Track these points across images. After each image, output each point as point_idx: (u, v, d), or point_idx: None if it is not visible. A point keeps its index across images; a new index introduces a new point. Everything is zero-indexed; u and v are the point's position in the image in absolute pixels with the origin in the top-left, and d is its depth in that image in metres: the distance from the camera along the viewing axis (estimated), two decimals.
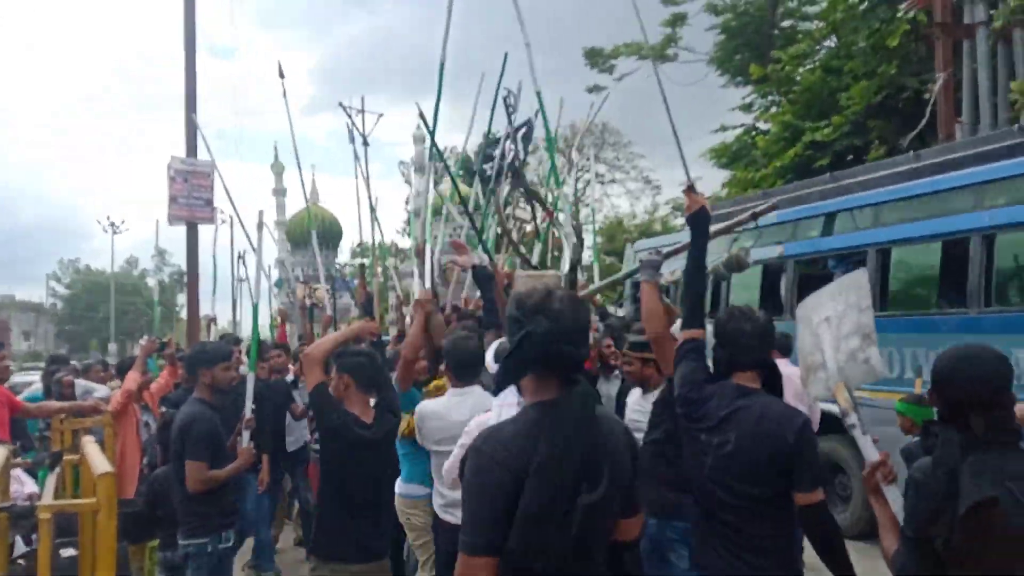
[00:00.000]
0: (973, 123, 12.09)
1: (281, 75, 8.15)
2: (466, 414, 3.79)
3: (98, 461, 2.77)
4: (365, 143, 7.57)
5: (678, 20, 22.10)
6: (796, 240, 8.31)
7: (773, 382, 2.90)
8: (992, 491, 2.06)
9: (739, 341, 2.87)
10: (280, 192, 38.39)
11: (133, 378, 6.27)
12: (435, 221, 8.84)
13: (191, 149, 13.61)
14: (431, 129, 6.69)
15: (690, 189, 3.37)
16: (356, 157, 8.10)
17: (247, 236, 6.02)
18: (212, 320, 9.15)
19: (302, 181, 10.77)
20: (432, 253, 6.14)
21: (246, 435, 4.74)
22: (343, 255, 43.98)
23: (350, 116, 7.41)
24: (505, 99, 6.98)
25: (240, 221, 6.14)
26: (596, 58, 23.56)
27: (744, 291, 8.96)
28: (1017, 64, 11.74)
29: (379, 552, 3.66)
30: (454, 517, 3.85)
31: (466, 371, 4.00)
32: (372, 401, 3.75)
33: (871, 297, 2.97)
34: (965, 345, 2.31)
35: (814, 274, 8.23)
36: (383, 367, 3.89)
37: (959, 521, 2.08)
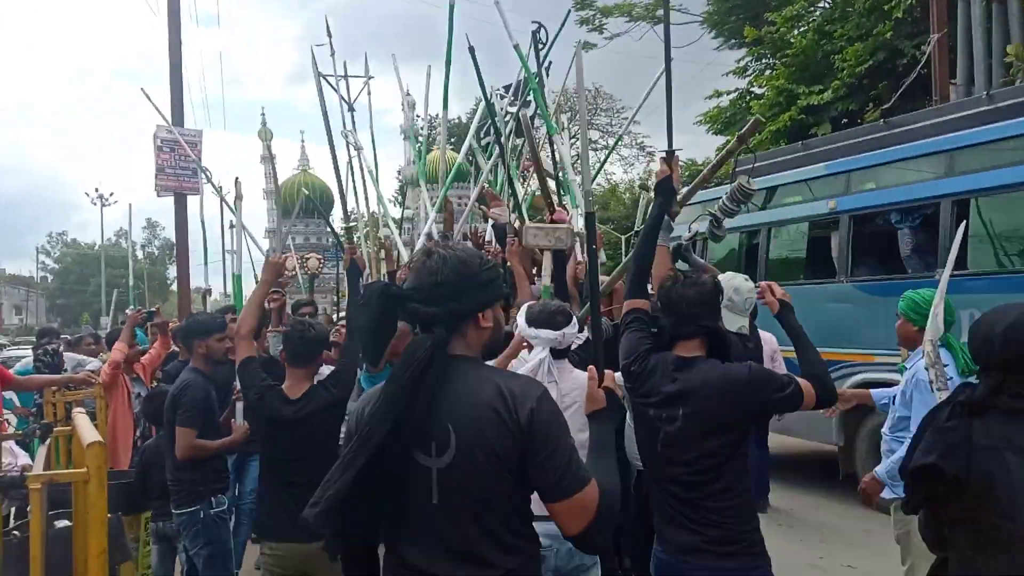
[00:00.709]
0: (968, 85, 12.01)
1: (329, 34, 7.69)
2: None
3: (87, 431, 2.73)
4: (351, 109, 7.42)
5: None
6: (850, 194, 7.85)
7: (721, 349, 2.85)
8: (942, 459, 2.02)
9: (681, 309, 2.82)
10: (268, 159, 37.99)
11: (119, 348, 6.26)
12: (430, 188, 8.73)
13: (177, 118, 13.42)
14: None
15: (666, 158, 3.32)
16: (347, 135, 7.89)
17: (228, 206, 6.00)
18: (207, 291, 9.10)
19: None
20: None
21: (239, 409, 4.71)
22: (335, 224, 43.80)
23: (334, 87, 7.19)
24: (535, 33, 6.81)
25: (219, 192, 6.12)
26: (586, 9, 23.16)
27: (788, 250, 8.63)
28: (1012, 25, 11.63)
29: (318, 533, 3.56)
30: None
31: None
32: (317, 373, 3.70)
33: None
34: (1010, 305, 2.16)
35: (875, 231, 7.83)
36: (316, 339, 3.64)
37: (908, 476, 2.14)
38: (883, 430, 4.23)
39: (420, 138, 9.08)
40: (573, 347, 3.54)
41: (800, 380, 2.82)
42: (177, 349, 6.42)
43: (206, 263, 10.29)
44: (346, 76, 7.37)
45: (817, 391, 2.81)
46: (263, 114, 19.28)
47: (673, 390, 2.77)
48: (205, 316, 4.92)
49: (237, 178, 6.07)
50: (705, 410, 2.70)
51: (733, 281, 3.64)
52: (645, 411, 2.86)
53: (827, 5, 16.74)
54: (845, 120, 14.48)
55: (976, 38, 11.92)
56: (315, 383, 3.55)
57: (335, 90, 7.21)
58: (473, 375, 1.89)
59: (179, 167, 13.25)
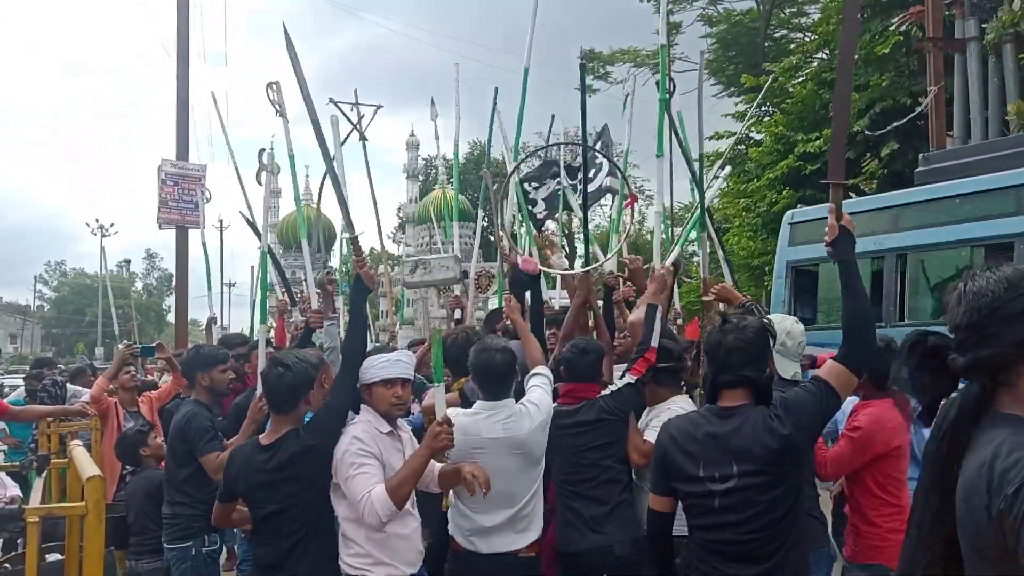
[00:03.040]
0: (964, 137, 12.16)
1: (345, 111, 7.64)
2: (499, 432, 3.47)
3: (86, 465, 2.74)
4: (363, 138, 7.27)
5: (672, 29, 22.24)
6: None
7: (767, 398, 2.66)
8: None
9: (720, 356, 2.65)
10: (274, 194, 38.32)
11: (98, 385, 6.18)
12: (422, 227, 8.76)
13: (182, 153, 13.54)
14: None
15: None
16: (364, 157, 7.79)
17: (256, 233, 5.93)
18: (213, 320, 9.06)
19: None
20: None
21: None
22: (335, 260, 43.92)
23: (342, 110, 7.07)
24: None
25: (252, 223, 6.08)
26: (593, 61, 23.65)
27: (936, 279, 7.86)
28: (1008, 80, 11.82)
29: None
30: (484, 545, 3.47)
31: (494, 386, 3.58)
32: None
33: None
34: None
35: None
36: (292, 385, 3.21)
37: None
38: None
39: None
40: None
41: (823, 367, 2.68)
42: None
43: (210, 289, 10.26)
44: (356, 103, 7.23)
45: (847, 354, 2.64)
46: (272, 149, 19.45)
47: (707, 440, 2.63)
48: (208, 348, 4.90)
49: (263, 149, 5.84)
50: (762, 461, 2.54)
51: (784, 323, 3.52)
52: (689, 474, 2.67)
53: (824, 56, 17.02)
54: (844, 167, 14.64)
55: (973, 91, 12.10)
56: (291, 429, 3.18)
57: (346, 117, 7.11)
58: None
59: (182, 200, 13.32)
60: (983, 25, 12.15)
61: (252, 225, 6.36)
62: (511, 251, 5.23)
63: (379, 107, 7.47)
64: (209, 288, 10.25)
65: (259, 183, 5.59)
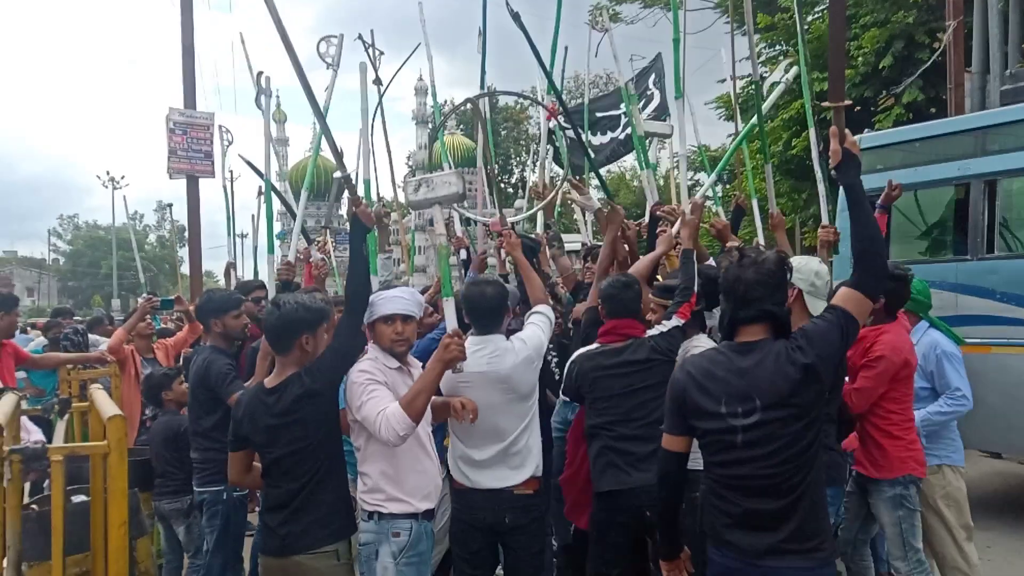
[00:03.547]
0: (983, 73, 11.90)
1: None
2: (483, 366, 3.53)
3: (107, 405, 2.77)
4: (378, 82, 7.11)
5: None
6: None
7: (786, 332, 2.62)
8: None
9: (739, 292, 2.60)
10: (282, 142, 38.15)
11: (117, 336, 6.30)
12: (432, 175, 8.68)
13: (190, 101, 13.43)
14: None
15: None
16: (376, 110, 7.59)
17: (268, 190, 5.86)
18: (232, 266, 9.09)
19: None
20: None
21: None
22: (346, 208, 43.91)
23: (367, 49, 6.86)
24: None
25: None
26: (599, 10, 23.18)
27: None
28: None
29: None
30: (480, 479, 3.55)
31: (484, 320, 3.65)
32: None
33: None
34: None
35: None
36: (281, 321, 3.15)
37: None
38: None
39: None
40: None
41: (838, 294, 2.68)
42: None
43: (231, 234, 10.20)
44: (372, 44, 7.01)
45: (860, 279, 2.65)
46: (278, 97, 19.32)
47: (730, 377, 2.60)
48: (220, 293, 4.90)
49: (260, 72, 5.72)
50: (787, 394, 2.52)
51: (811, 264, 3.52)
52: (709, 411, 2.64)
53: None
54: (858, 108, 14.37)
55: (992, 26, 11.80)
56: (294, 372, 3.13)
57: (371, 60, 6.89)
58: None
59: (191, 149, 13.25)
60: None
61: (251, 165, 6.36)
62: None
63: (381, 53, 7.26)
64: (231, 233, 10.25)
65: (259, 107, 5.54)
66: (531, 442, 3.61)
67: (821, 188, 5.86)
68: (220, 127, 11.04)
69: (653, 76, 7.26)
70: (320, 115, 3.96)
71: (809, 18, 16.44)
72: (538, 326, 3.75)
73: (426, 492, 3.31)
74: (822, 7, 16.64)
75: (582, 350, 3.98)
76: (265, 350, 3.94)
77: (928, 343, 4.25)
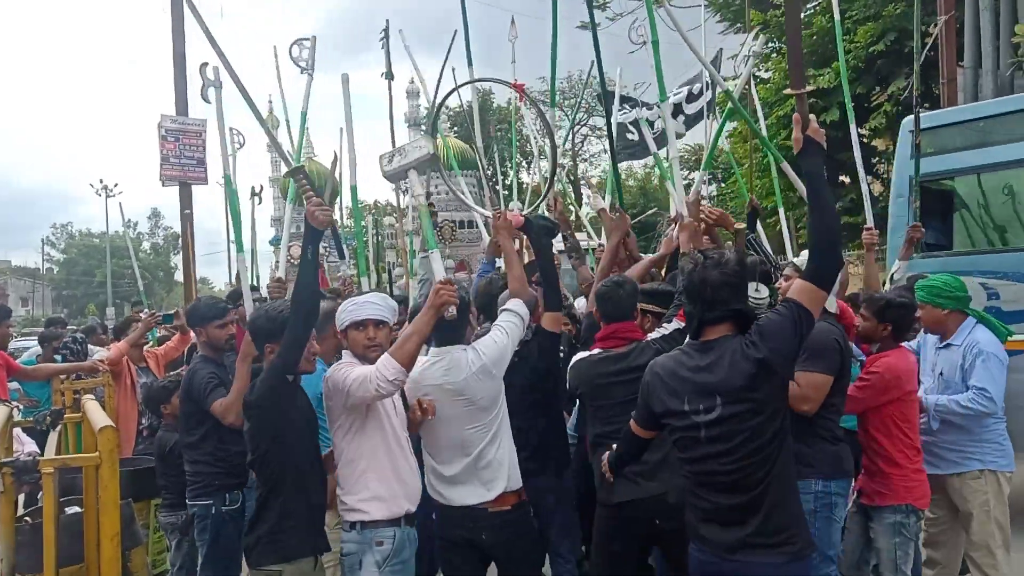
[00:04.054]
0: (975, 67, 11.92)
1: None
2: (439, 379, 3.47)
3: (99, 416, 2.74)
4: (390, 76, 7.13)
5: None
6: None
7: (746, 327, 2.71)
8: None
9: (705, 294, 2.67)
10: (274, 148, 37.86)
11: (119, 348, 6.28)
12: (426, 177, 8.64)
13: (181, 108, 13.38)
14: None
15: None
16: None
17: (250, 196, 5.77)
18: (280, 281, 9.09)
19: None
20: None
21: None
22: (339, 213, 43.90)
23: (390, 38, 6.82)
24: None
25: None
26: None
27: None
28: (1020, 6, 11.54)
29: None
30: (453, 496, 3.48)
31: (441, 331, 3.53)
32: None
33: None
34: None
35: None
36: (251, 327, 3.45)
37: None
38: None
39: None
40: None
41: (792, 287, 2.70)
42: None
43: (240, 250, 10.14)
44: (386, 34, 6.96)
45: (815, 271, 2.65)
46: (270, 102, 19.25)
47: (692, 376, 2.68)
48: (206, 301, 4.82)
49: (204, 64, 5.53)
50: (742, 388, 2.59)
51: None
52: (675, 410, 2.74)
53: None
54: (852, 104, 14.39)
55: (984, 20, 11.82)
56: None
57: (410, 58, 6.65)
58: None
59: (184, 156, 13.18)
60: None
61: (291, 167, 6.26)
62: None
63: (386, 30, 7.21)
64: (240, 250, 10.13)
65: (205, 100, 5.34)
66: (500, 455, 3.50)
67: (865, 188, 5.75)
68: (231, 129, 11.02)
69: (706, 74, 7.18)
70: (259, 117, 4.10)
71: (803, 14, 16.45)
72: (502, 329, 3.60)
73: (408, 493, 3.36)
74: (814, 3, 16.67)
75: (582, 355, 3.88)
76: (242, 353, 3.93)
77: (969, 342, 4.11)
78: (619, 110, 7.31)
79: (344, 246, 7.14)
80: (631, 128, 7.52)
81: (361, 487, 3.27)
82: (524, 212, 4.58)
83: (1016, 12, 11.61)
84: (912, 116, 6.62)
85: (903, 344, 4.04)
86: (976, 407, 4.01)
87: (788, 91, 3.43)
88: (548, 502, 3.95)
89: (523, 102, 6.16)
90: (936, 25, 12.08)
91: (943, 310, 4.17)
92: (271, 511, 3.14)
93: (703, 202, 4.71)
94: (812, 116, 2.82)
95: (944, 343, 4.22)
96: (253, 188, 10.33)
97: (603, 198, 5.33)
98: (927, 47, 12.39)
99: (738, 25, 19.73)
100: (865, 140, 15.08)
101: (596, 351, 3.80)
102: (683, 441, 2.75)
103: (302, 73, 5.17)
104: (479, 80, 6.39)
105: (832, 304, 3.69)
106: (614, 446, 3.32)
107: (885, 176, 16.20)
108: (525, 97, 5.25)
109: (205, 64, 5.33)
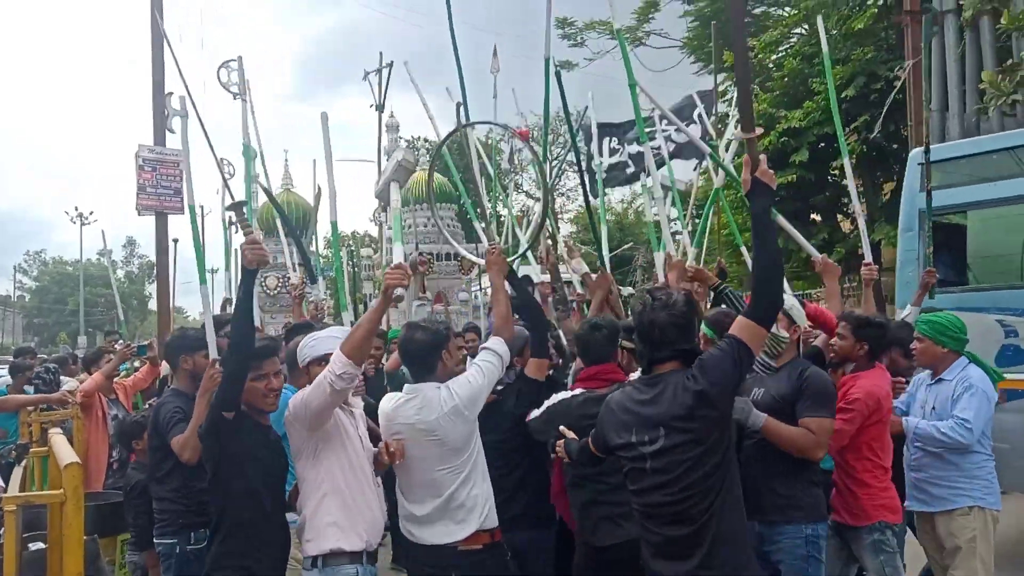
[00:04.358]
0: (942, 110, 12.21)
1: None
2: (411, 417, 3.37)
3: (64, 452, 2.72)
4: (380, 108, 7.15)
5: (651, 7, 22.17)
6: None
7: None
8: None
9: (654, 335, 2.75)
10: (252, 178, 37.78)
11: (95, 380, 6.22)
12: (405, 210, 8.70)
13: (159, 138, 13.39)
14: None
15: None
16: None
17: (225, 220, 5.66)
18: (228, 302, 9.02)
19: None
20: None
21: None
22: (317, 243, 43.83)
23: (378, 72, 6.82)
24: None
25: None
26: (567, 27, 23.60)
27: None
28: (985, 51, 11.85)
29: None
30: (422, 535, 3.41)
31: (414, 366, 3.50)
32: None
33: None
34: None
35: None
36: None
37: None
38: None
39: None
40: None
41: (734, 324, 2.77)
42: (166, 375, 6.25)
43: (199, 280, 10.10)
44: (379, 70, 6.95)
45: (755, 309, 2.72)
46: (246, 133, 19.25)
47: (640, 409, 2.77)
48: (194, 332, 4.76)
49: (170, 94, 5.42)
50: (682, 419, 2.66)
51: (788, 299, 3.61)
52: (624, 442, 2.83)
53: (804, 31, 17.02)
54: (823, 144, 14.66)
55: (950, 64, 12.13)
56: None
57: (418, 93, 6.71)
58: None
59: (161, 186, 13.16)
60: None
61: (268, 192, 6.21)
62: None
63: (390, 64, 7.23)
64: (227, 267, 10.04)
65: (170, 130, 5.28)
66: (474, 495, 3.41)
67: (861, 223, 5.72)
68: (222, 159, 11.00)
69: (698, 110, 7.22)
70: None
71: (774, 56, 16.82)
72: (479, 368, 3.52)
73: (368, 524, 3.32)
74: (786, 46, 17.04)
75: (564, 395, 3.79)
76: (201, 388, 3.82)
77: (960, 377, 4.15)
78: (609, 152, 7.40)
79: (317, 272, 7.11)
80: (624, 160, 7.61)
81: (323, 513, 3.24)
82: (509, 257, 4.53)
83: (981, 58, 11.92)
84: (920, 148, 6.44)
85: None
86: (954, 436, 4.02)
87: (738, 135, 3.51)
88: (522, 556, 3.84)
89: (525, 142, 6.22)
90: (904, 69, 12.41)
91: (942, 348, 4.22)
92: (210, 552, 3.17)
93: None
94: (763, 157, 2.82)
95: (936, 379, 4.27)
96: (230, 217, 10.31)
97: (582, 263, 5.36)
98: (895, 90, 12.73)
99: (712, 66, 20.13)
100: (835, 179, 15.36)
101: (578, 391, 3.76)
102: (632, 473, 2.83)
103: (235, 99, 5.08)
104: (484, 123, 6.41)
105: (802, 317, 3.74)
106: (571, 434, 3.35)
107: (854, 214, 16.44)
108: (527, 144, 5.35)
109: (170, 94, 5.28)
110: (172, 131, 5.22)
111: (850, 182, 6.13)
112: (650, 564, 2.79)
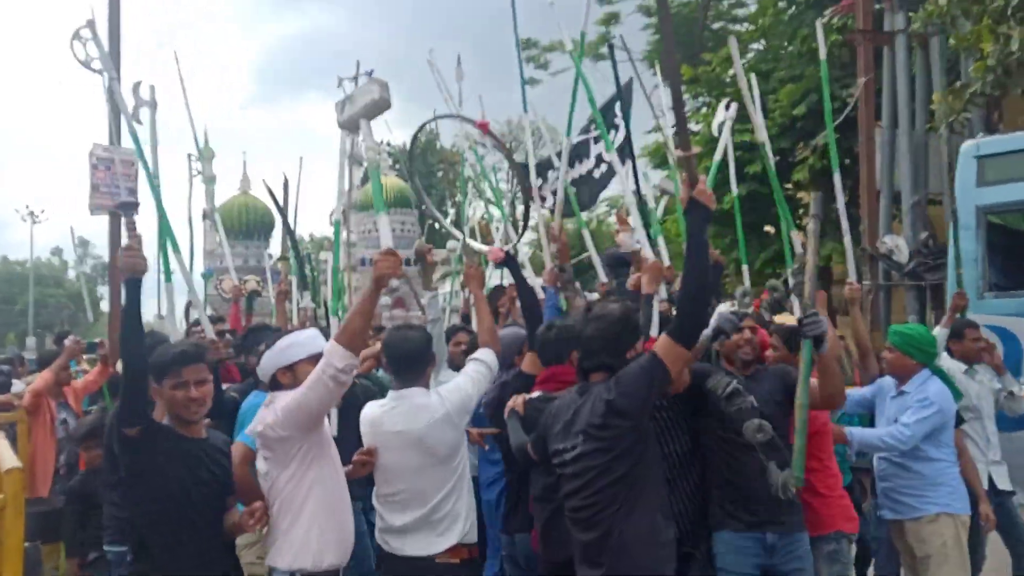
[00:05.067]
0: (892, 128, 12.52)
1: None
2: (399, 424, 3.30)
3: (6, 457, 2.68)
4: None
5: (612, 19, 22.42)
6: None
7: None
8: None
9: (584, 344, 2.94)
10: (209, 180, 37.29)
11: (44, 378, 6.08)
12: (365, 215, 8.66)
13: (114, 136, 13.18)
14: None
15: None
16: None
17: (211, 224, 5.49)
18: (191, 304, 8.88)
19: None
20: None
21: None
22: (275, 247, 43.41)
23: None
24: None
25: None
26: (532, 49, 23.86)
27: None
28: (934, 71, 12.19)
29: None
30: (399, 545, 3.33)
31: (403, 370, 3.42)
32: None
33: None
34: None
35: None
36: None
37: None
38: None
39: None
40: None
41: (657, 341, 2.83)
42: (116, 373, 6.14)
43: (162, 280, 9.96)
44: (356, 76, 6.81)
45: (676, 327, 2.75)
46: (205, 133, 19.07)
47: (569, 417, 2.88)
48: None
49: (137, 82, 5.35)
50: (595, 427, 2.77)
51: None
52: (554, 448, 2.95)
53: (760, 47, 17.32)
54: (778, 158, 14.91)
55: (900, 83, 12.45)
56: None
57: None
58: None
59: (114, 185, 12.94)
60: (910, 15, 12.51)
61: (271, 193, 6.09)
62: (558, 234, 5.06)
63: (371, 72, 6.99)
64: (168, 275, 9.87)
65: (137, 121, 5.10)
66: (458, 507, 3.34)
67: (847, 240, 5.51)
68: (189, 155, 10.83)
69: (619, 104, 7.10)
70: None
71: (731, 71, 17.06)
72: (469, 378, 3.47)
73: (347, 542, 3.19)
74: (743, 60, 17.31)
75: (524, 396, 3.65)
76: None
77: (919, 390, 4.18)
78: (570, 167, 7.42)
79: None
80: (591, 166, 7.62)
81: (306, 526, 3.03)
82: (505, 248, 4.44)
83: (930, 75, 12.26)
84: (973, 142, 6.17)
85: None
86: (890, 441, 4.09)
87: (677, 153, 3.52)
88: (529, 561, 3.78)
89: (487, 138, 6.05)
90: (856, 86, 12.70)
91: (911, 360, 4.27)
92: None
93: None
94: (703, 178, 2.87)
95: (899, 391, 4.31)
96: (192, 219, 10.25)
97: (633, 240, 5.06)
98: (849, 107, 13.02)
99: (667, 80, 20.39)
100: (790, 193, 15.62)
101: (536, 394, 3.60)
102: (561, 479, 2.94)
103: (95, 73, 4.66)
104: (447, 116, 6.39)
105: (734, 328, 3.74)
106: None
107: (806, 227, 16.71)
108: (489, 135, 5.22)
109: (139, 83, 5.16)
110: (140, 123, 5.08)
111: (839, 201, 5.80)
112: (578, 570, 2.89)
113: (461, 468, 3.40)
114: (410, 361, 3.38)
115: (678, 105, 3.29)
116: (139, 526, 2.93)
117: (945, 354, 4.93)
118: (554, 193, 6.69)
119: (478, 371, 3.51)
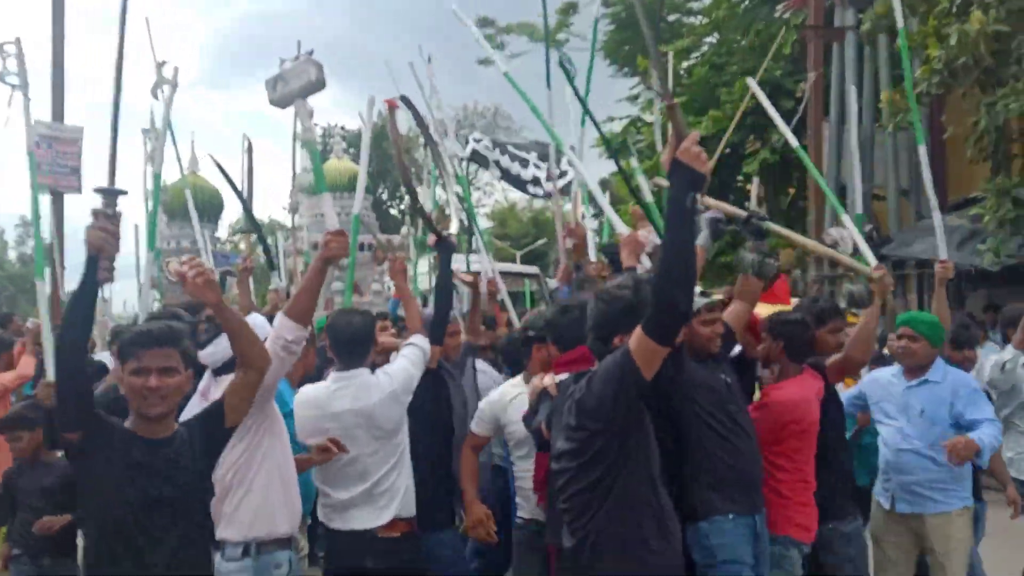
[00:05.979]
0: (839, 123, 12.77)
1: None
2: (347, 403, 3.39)
3: None
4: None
5: (570, 8, 22.44)
6: None
7: None
8: None
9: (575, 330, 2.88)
10: (155, 160, 36.38)
11: (28, 363, 5.82)
12: (318, 198, 8.59)
13: (57, 114, 12.83)
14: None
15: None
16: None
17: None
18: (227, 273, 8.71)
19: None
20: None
21: None
22: (223, 230, 42.71)
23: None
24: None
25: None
26: (488, 27, 23.75)
27: None
28: (881, 68, 12.46)
29: None
30: (342, 521, 3.41)
31: (349, 352, 3.49)
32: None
33: None
34: None
35: None
36: None
37: None
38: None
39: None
40: None
41: (631, 335, 2.41)
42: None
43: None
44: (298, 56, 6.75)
45: (648, 318, 2.33)
46: (152, 113, 18.55)
47: (563, 408, 2.73)
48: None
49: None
50: (568, 427, 2.64)
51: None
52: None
53: (715, 40, 17.52)
54: (728, 150, 15.11)
55: (848, 79, 12.71)
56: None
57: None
58: None
59: (57, 164, 12.60)
60: (859, 15, 12.76)
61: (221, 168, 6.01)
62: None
63: (311, 52, 6.97)
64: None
65: (155, 96, 5.20)
66: (399, 482, 3.45)
67: (936, 217, 5.42)
68: (143, 129, 10.62)
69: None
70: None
71: (685, 64, 17.24)
72: (408, 359, 3.62)
73: (297, 512, 3.22)
74: (698, 53, 17.50)
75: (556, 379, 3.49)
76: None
77: (954, 381, 4.05)
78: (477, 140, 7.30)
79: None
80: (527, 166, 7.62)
81: (259, 495, 3.01)
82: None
83: (877, 71, 12.53)
84: None
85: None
86: (1000, 436, 3.99)
87: (668, 103, 3.41)
88: (445, 555, 3.79)
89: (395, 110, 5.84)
90: (806, 81, 12.92)
91: (935, 348, 4.11)
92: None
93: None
94: (693, 133, 2.48)
95: (918, 381, 4.08)
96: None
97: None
98: (800, 102, 13.25)
99: (626, 69, 20.48)
100: (740, 186, 15.85)
101: (564, 376, 3.23)
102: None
103: (14, 91, 4.47)
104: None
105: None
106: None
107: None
108: (400, 107, 5.07)
109: (163, 63, 5.39)
110: (156, 99, 5.14)
111: (857, 194, 6.02)
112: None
113: (403, 445, 3.53)
114: (354, 343, 3.49)
115: (655, 44, 3.20)
116: (93, 543, 2.49)
117: (989, 343, 4.85)
118: (563, 190, 6.66)
119: (415, 354, 3.67)
